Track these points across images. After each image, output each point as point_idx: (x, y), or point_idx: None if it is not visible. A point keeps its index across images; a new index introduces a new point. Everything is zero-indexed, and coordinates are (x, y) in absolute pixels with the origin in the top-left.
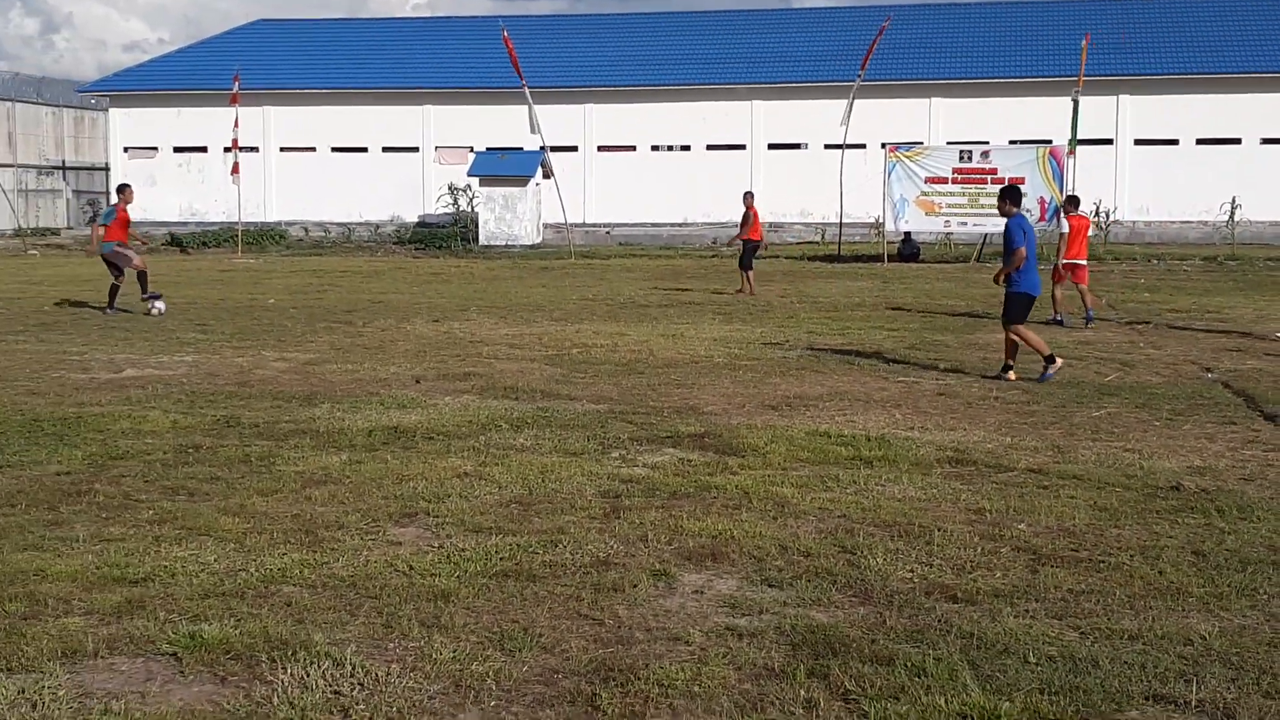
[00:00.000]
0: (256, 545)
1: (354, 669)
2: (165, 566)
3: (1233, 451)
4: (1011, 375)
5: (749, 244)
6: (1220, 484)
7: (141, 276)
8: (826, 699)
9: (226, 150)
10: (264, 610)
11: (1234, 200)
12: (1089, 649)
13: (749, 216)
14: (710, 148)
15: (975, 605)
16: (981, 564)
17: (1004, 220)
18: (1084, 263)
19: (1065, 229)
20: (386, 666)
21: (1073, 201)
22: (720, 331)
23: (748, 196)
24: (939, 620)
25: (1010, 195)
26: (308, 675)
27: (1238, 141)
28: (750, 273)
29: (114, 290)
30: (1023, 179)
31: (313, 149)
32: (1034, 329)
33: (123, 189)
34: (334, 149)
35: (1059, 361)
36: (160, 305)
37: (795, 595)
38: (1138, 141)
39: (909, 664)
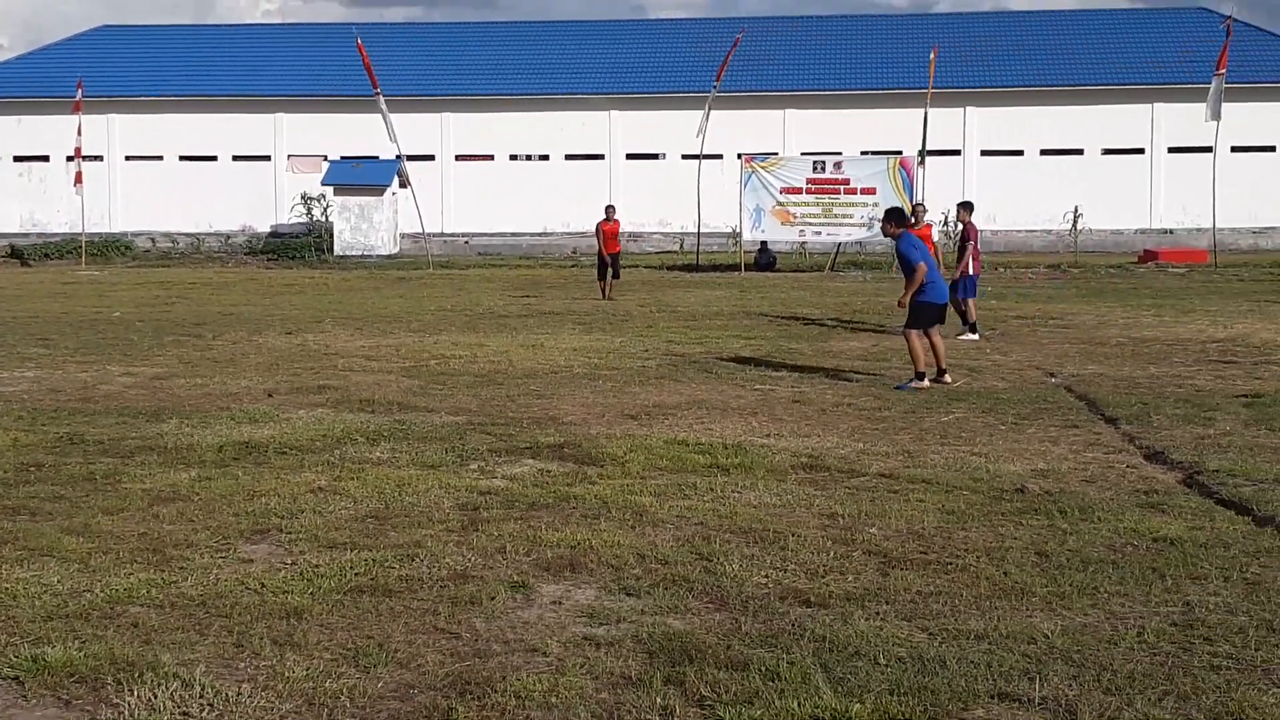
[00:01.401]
0: (102, 565)
1: (203, 689)
2: (6, 588)
3: (1075, 454)
4: (949, 378)
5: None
6: (1063, 486)
7: None
8: (683, 706)
9: (69, 159)
10: (110, 631)
11: (1076, 209)
12: (937, 649)
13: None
14: (569, 157)
15: (828, 609)
16: (834, 568)
17: (881, 236)
18: None
19: None
20: (237, 686)
21: (914, 212)
22: (580, 341)
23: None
24: (793, 624)
25: (894, 216)
26: (155, 697)
27: (1080, 152)
28: (602, 281)
29: None
30: (874, 189)
31: (160, 158)
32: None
33: None
34: (182, 157)
35: (926, 382)
36: None
37: (653, 603)
38: (984, 152)
39: (763, 668)
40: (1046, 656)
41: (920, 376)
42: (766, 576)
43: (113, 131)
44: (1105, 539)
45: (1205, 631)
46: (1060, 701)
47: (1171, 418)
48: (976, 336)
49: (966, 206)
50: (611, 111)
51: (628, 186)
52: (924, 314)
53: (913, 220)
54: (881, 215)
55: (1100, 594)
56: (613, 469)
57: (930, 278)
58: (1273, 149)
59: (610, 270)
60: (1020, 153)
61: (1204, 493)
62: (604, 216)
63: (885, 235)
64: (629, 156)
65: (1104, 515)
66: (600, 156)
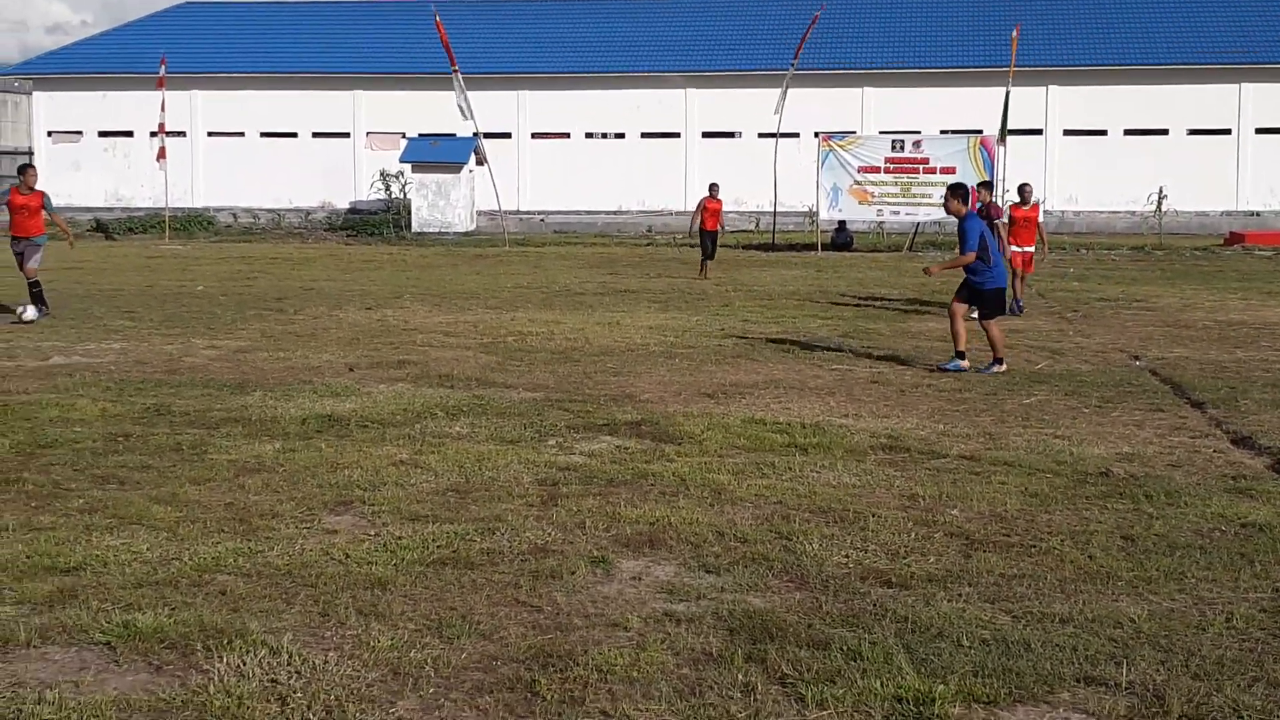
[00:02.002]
0: (190, 534)
1: (291, 657)
2: (97, 555)
3: (1160, 438)
4: (966, 363)
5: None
6: (1149, 470)
7: (33, 285)
8: (764, 683)
9: (153, 135)
10: (198, 599)
11: (1161, 190)
12: (1021, 632)
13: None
14: (645, 135)
15: (909, 590)
16: (915, 549)
17: (949, 216)
18: (1031, 250)
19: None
20: (324, 654)
21: (1021, 192)
22: (656, 319)
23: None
24: (874, 605)
25: (959, 193)
26: (244, 663)
27: (1165, 132)
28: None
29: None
30: (954, 168)
31: (241, 134)
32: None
33: (23, 170)
34: (263, 134)
35: (966, 363)
36: (30, 312)
37: (732, 581)
38: (1066, 132)
39: (845, 648)
40: (1133, 641)
41: (961, 355)
42: (847, 556)
43: (195, 107)
44: (1192, 524)
45: None
46: (1148, 686)
47: (1259, 402)
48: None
49: (986, 186)
50: (688, 89)
51: (703, 165)
52: (1000, 300)
53: (1019, 200)
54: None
55: (1187, 579)
56: (690, 447)
57: (996, 262)
58: None
59: (710, 250)
60: (1104, 132)
61: None
62: (707, 193)
63: (948, 213)
64: (705, 135)
65: (1191, 500)
66: (676, 134)
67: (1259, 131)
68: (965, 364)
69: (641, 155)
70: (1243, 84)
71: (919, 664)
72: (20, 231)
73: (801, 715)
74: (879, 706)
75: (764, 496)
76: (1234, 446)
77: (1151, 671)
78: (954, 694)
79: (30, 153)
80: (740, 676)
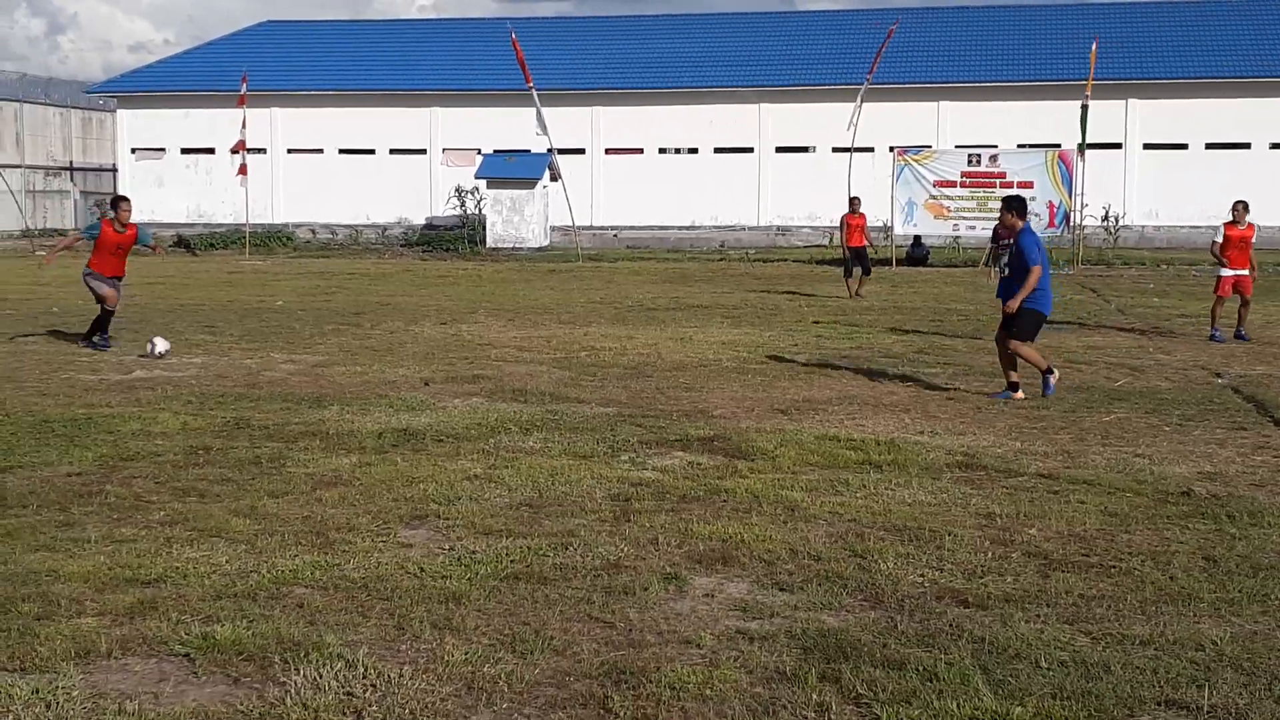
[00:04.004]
0: (268, 547)
1: (366, 670)
2: (177, 567)
3: (1243, 457)
4: (1020, 394)
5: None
6: (1231, 490)
7: (104, 317)
8: (839, 702)
9: (233, 151)
10: (276, 611)
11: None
12: (1100, 654)
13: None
14: (718, 150)
15: (986, 610)
16: (992, 569)
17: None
18: (1245, 273)
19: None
20: (399, 668)
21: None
22: (728, 335)
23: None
24: (950, 625)
25: (1015, 206)
26: (320, 676)
27: (1247, 146)
28: (849, 279)
29: (101, 320)
30: (1031, 183)
31: (320, 150)
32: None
33: (117, 203)
34: (341, 150)
35: (1057, 372)
36: (161, 344)
37: (806, 599)
38: (1146, 146)
39: (920, 668)
40: (1215, 664)
41: (1050, 371)
42: (922, 575)
43: (275, 125)
44: (1276, 545)
45: None
46: (1230, 710)
47: None
48: None
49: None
50: (761, 104)
51: (776, 180)
52: (1032, 321)
53: (1232, 219)
54: (1044, 210)
55: (1271, 601)
56: (763, 463)
57: (1043, 284)
58: None
59: (859, 267)
60: (1184, 146)
61: None
62: (848, 209)
63: (1005, 226)
64: (778, 150)
65: (1274, 520)
66: (749, 150)
67: None
68: (1055, 375)
69: (714, 170)
70: None
71: (996, 685)
72: (111, 271)
73: None
74: None
75: (838, 514)
76: None
77: (1234, 695)
78: (1031, 716)
79: (115, 169)
80: (814, 696)
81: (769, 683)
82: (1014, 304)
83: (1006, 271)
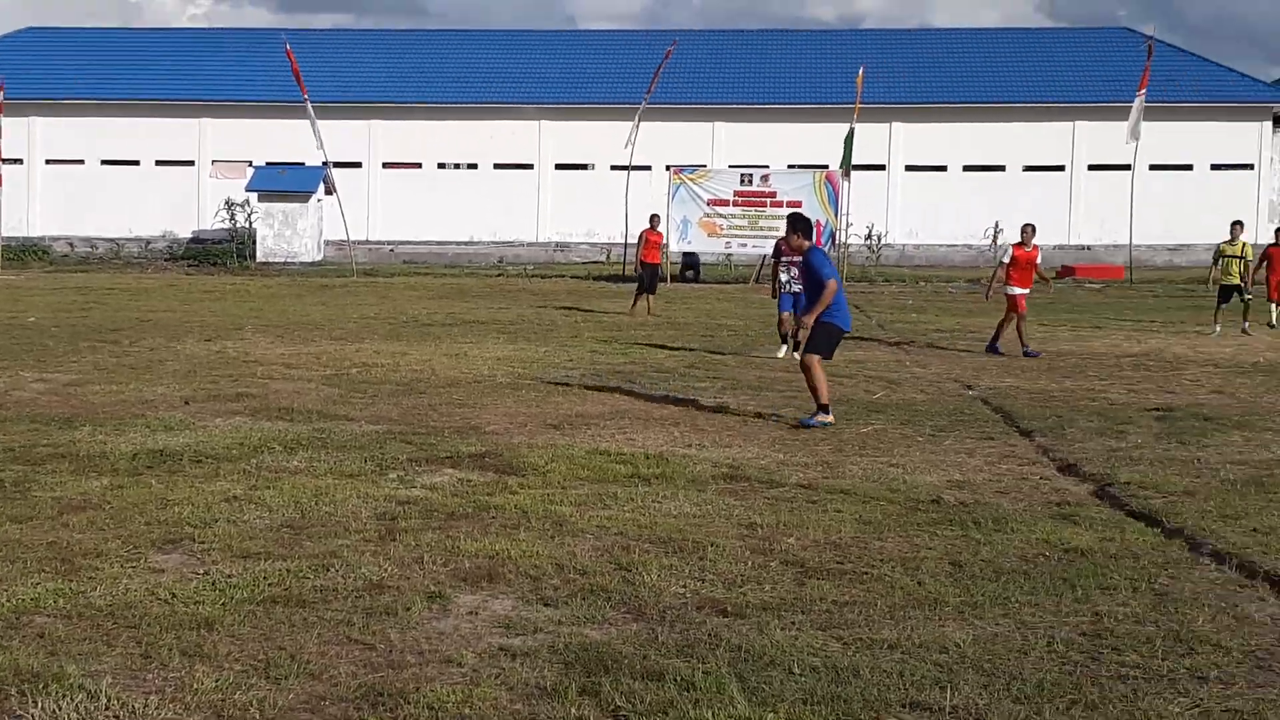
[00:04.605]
0: (8, 574)
1: (109, 701)
2: None
3: (990, 466)
4: (829, 417)
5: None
6: (978, 497)
7: None
8: (597, 715)
9: None
10: (15, 642)
11: (997, 225)
12: (851, 659)
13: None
14: (498, 166)
15: (744, 619)
16: (751, 578)
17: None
18: (1025, 291)
19: (1007, 258)
20: (144, 698)
21: (1020, 232)
22: (504, 351)
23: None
24: (709, 634)
25: (802, 227)
26: (60, 709)
27: (1002, 168)
28: (645, 295)
29: None
30: (800, 202)
31: (81, 161)
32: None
33: None
34: (104, 161)
35: (831, 416)
36: None
37: (570, 613)
38: (908, 167)
39: (678, 678)
40: (958, 666)
41: (824, 409)
42: (684, 586)
43: (34, 134)
44: (1018, 549)
45: (1114, 641)
46: (970, 711)
47: (1085, 430)
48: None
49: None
50: (541, 121)
51: (556, 196)
52: (828, 335)
53: (1020, 241)
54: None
55: (1012, 604)
56: (534, 479)
57: (838, 300)
58: (1190, 168)
59: (649, 284)
60: (944, 168)
61: (1115, 505)
62: (648, 225)
63: (791, 247)
64: (558, 166)
65: (1017, 526)
66: (529, 166)
67: (1091, 168)
68: (829, 418)
69: (494, 186)
70: (1077, 122)
71: (750, 693)
72: None
73: None
74: None
75: (605, 528)
76: (1060, 474)
77: (975, 695)
78: None
79: None
80: (573, 710)
81: (529, 699)
82: (810, 318)
83: (792, 287)
